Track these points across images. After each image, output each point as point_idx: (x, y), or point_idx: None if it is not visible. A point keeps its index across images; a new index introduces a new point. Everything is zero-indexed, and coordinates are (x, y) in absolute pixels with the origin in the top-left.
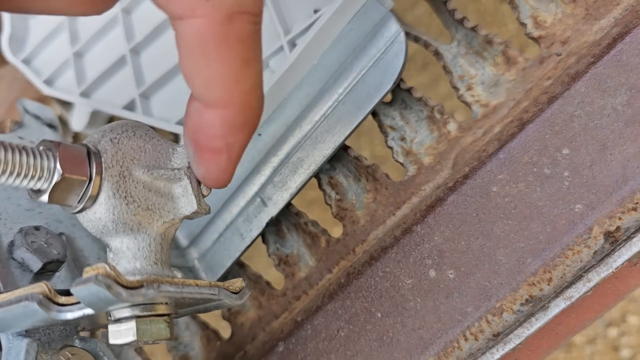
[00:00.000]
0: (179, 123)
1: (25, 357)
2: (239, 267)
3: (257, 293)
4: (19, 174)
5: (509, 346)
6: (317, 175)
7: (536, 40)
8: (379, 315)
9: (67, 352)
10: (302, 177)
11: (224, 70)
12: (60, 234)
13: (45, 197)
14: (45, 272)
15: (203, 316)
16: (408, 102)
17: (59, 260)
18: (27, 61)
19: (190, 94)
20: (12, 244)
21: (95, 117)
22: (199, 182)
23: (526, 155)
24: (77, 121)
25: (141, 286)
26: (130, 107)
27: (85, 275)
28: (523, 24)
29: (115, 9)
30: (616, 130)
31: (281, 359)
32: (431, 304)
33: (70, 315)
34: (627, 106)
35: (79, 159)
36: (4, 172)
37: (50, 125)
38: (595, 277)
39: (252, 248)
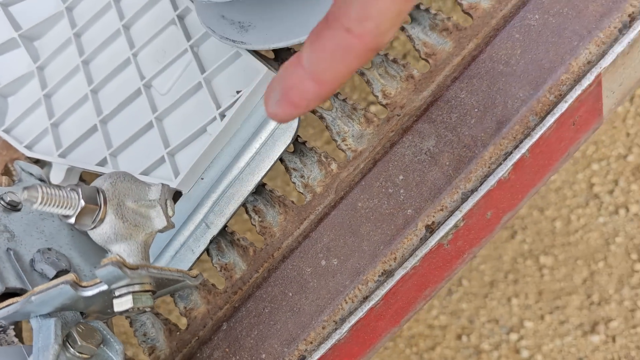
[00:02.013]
0: (142, 173)
1: (55, 329)
2: None
3: (206, 293)
4: (56, 205)
5: (372, 303)
6: (244, 204)
7: (384, 106)
8: (290, 294)
9: (80, 326)
10: (234, 206)
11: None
12: (62, 254)
13: (72, 220)
14: (57, 278)
15: (165, 314)
16: (304, 151)
17: (66, 270)
18: (7, 131)
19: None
20: (32, 260)
21: (70, 172)
22: (167, 207)
23: (377, 181)
24: (55, 176)
25: (137, 268)
26: (101, 163)
27: (103, 263)
28: (375, 95)
29: (85, 89)
30: (429, 162)
31: (225, 334)
32: (323, 282)
33: (90, 292)
34: (435, 147)
35: (93, 195)
36: (48, 203)
37: (41, 180)
38: (420, 252)
39: (200, 261)
